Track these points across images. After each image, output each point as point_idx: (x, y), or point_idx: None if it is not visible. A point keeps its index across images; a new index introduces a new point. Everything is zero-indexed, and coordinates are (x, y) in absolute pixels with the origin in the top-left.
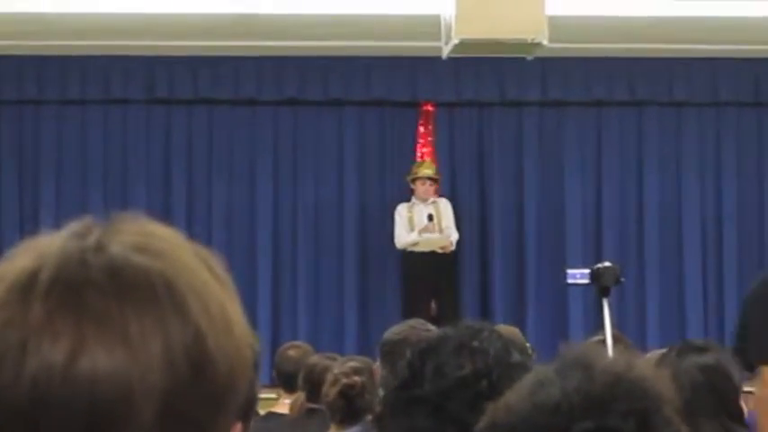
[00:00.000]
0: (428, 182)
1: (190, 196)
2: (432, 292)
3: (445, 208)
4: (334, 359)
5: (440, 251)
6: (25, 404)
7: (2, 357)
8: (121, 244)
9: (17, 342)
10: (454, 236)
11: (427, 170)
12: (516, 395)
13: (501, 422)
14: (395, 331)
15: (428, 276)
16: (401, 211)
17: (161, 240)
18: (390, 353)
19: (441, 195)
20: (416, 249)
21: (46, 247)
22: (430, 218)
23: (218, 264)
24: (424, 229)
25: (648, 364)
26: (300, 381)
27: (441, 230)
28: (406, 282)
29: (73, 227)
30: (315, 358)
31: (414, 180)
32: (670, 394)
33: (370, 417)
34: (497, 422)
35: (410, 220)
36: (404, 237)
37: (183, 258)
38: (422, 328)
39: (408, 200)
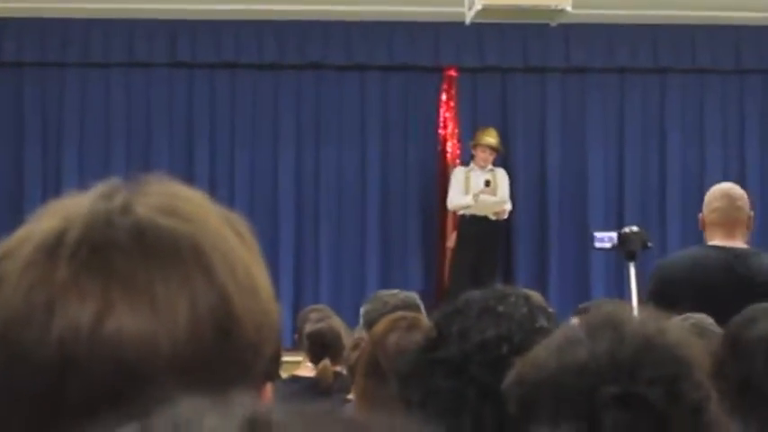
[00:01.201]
0: (488, 150)
1: (212, 159)
2: (476, 257)
3: (502, 177)
4: (330, 316)
5: (492, 217)
6: (52, 364)
7: (29, 317)
8: (148, 206)
9: (44, 302)
10: (508, 205)
11: (489, 138)
12: (545, 352)
13: (528, 378)
14: (375, 307)
15: (476, 241)
16: (458, 174)
17: (188, 203)
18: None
19: (498, 165)
20: (468, 213)
21: (72, 207)
22: (487, 183)
23: (244, 227)
24: (481, 193)
25: (680, 326)
26: (306, 346)
27: (496, 196)
28: (455, 244)
29: (99, 188)
30: (320, 325)
31: (475, 146)
32: (701, 358)
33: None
34: (525, 378)
35: (466, 184)
36: (458, 199)
37: (210, 221)
38: (393, 294)
39: (429, 165)
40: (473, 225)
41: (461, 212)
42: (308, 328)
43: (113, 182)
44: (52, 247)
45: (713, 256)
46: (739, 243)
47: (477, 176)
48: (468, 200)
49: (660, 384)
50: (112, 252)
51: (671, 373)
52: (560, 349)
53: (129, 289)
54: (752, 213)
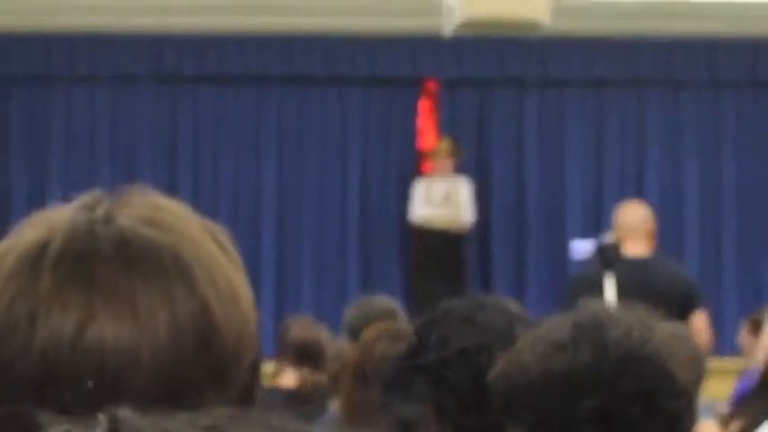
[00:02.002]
0: (446, 159)
1: (196, 173)
2: (440, 270)
3: (462, 186)
4: (312, 326)
5: (452, 229)
6: (35, 374)
7: (12, 328)
8: (130, 216)
9: (27, 313)
10: (467, 216)
11: (442, 146)
12: (531, 353)
13: (512, 378)
14: (356, 315)
15: (437, 254)
16: (418, 187)
17: (169, 213)
18: (358, 330)
19: (461, 173)
20: (427, 226)
21: (55, 219)
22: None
23: (225, 238)
24: (437, 206)
25: (665, 333)
26: (289, 355)
27: (454, 207)
28: (416, 258)
29: (82, 199)
30: (303, 334)
31: (431, 158)
32: (684, 366)
33: None
34: (509, 376)
35: (428, 195)
36: (416, 211)
37: (191, 231)
38: (379, 301)
39: (410, 177)
40: (432, 238)
41: (419, 225)
42: (291, 336)
43: (95, 193)
44: (35, 259)
45: (619, 265)
46: (642, 252)
47: (439, 187)
48: (426, 212)
49: (640, 398)
50: (95, 262)
51: (651, 386)
52: (546, 354)
53: (110, 299)
54: (654, 227)
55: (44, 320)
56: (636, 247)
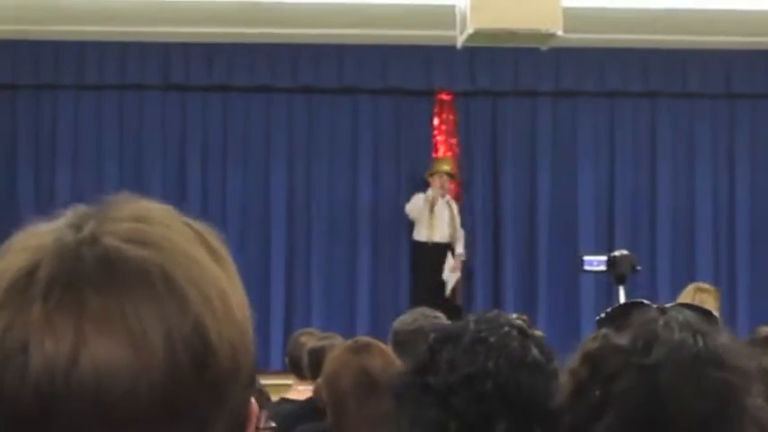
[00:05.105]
0: (445, 176)
1: (204, 183)
2: (438, 283)
3: (453, 208)
4: (329, 337)
5: (443, 241)
6: (31, 406)
7: (5, 361)
8: (115, 234)
9: (19, 345)
10: (459, 249)
11: (446, 166)
12: (628, 348)
13: (600, 354)
14: (406, 321)
15: (436, 267)
16: (418, 202)
17: (156, 226)
18: (404, 342)
19: (457, 193)
20: (423, 240)
21: (40, 241)
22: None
23: (216, 239)
24: (453, 269)
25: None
26: (306, 366)
27: (455, 229)
28: (415, 272)
29: (68, 217)
30: (314, 342)
31: (432, 174)
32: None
33: None
34: (602, 350)
35: (430, 217)
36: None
37: (179, 244)
38: (432, 316)
39: (421, 189)
40: (428, 252)
41: (417, 239)
42: (301, 349)
43: (81, 209)
44: (24, 288)
45: None
46: None
47: (441, 208)
48: (423, 230)
49: None
50: (84, 288)
51: None
52: (624, 362)
53: (102, 324)
54: None
55: (36, 352)
56: None
